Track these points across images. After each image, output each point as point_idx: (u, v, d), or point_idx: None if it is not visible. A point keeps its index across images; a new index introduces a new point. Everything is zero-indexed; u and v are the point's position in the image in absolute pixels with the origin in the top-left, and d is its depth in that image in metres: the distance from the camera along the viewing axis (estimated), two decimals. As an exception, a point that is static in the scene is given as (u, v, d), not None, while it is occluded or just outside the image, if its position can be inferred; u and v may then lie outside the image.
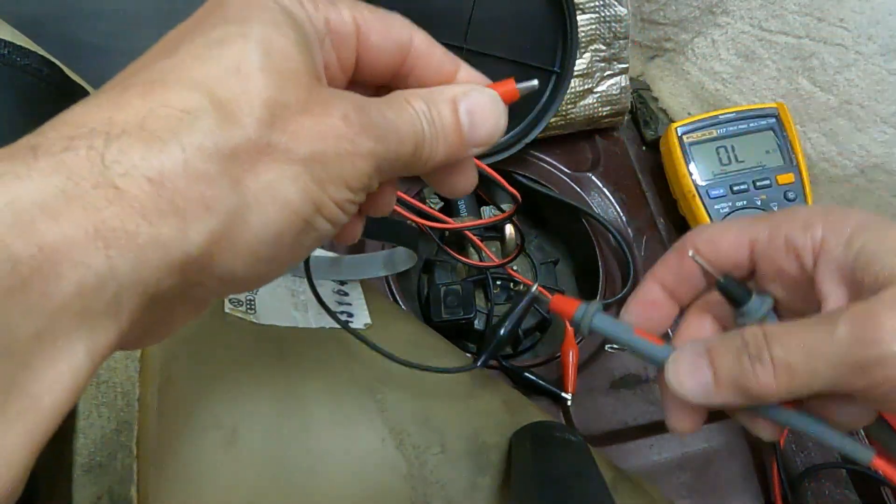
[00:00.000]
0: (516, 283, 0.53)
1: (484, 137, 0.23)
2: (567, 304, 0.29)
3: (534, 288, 0.36)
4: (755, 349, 0.23)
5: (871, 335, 0.21)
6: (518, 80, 0.24)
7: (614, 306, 0.55)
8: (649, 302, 0.28)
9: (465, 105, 0.22)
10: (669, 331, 0.29)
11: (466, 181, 0.25)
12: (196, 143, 0.16)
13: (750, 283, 0.28)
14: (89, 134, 0.16)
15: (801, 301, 0.26)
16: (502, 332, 0.38)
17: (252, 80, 0.18)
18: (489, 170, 0.43)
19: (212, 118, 0.17)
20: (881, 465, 0.25)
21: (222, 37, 0.18)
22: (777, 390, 0.23)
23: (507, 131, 0.53)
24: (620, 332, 0.27)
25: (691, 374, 0.25)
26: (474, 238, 0.53)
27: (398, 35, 0.23)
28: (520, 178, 0.57)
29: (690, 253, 0.27)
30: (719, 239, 0.27)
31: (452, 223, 0.49)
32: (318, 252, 0.40)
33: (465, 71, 0.24)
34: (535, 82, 0.25)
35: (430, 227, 0.46)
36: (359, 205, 0.21)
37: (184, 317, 0.20)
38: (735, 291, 0.27)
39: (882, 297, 0.22)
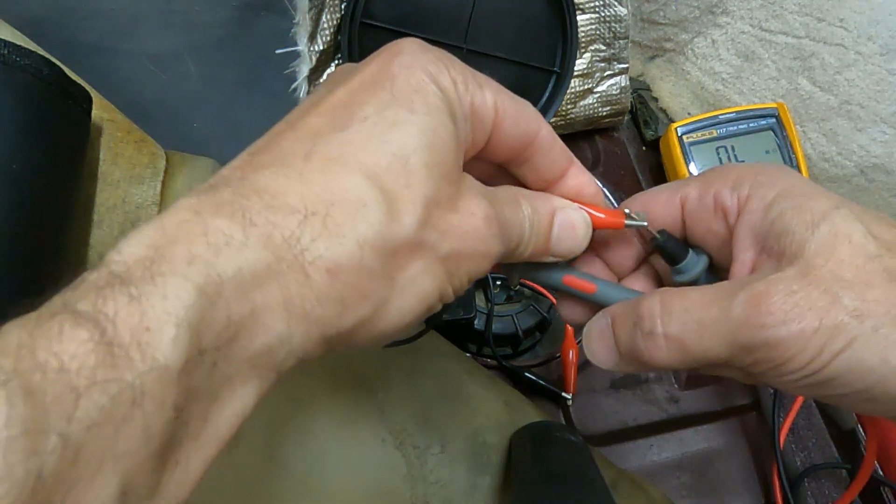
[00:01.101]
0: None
1: (564, 252, 0.25)
2: None
3: None
4: (649, 324, 0.23)
5: (761, 319, 0.21)
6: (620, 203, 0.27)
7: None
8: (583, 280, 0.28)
9: (560, 219, 0.25)
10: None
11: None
12: (369, 240, 0.18)
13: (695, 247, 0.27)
14: (288, 212, 0.18)
15: (728, 262, 0.25)
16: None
17: (416, 176, 0.19)
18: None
19: (381, 213, 0.19)
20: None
21: (393, 120, 0.19)
22: (669, 363, 0.23)
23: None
24: (551, 282, 0.27)
25: (600, 345, 0.25)
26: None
27: (528, 125, 0.24)
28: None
29: (627, 211, 0.26)
30: (652, 200, 0.27)
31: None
32: None
33: (576, 171, 0.26)
34: (646, 223, 0.26)
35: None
36: None
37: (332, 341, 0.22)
38: (670, 248, 0.26)
39: (781, 276, 0.21)
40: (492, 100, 0.22)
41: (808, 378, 0.21)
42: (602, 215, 0.26)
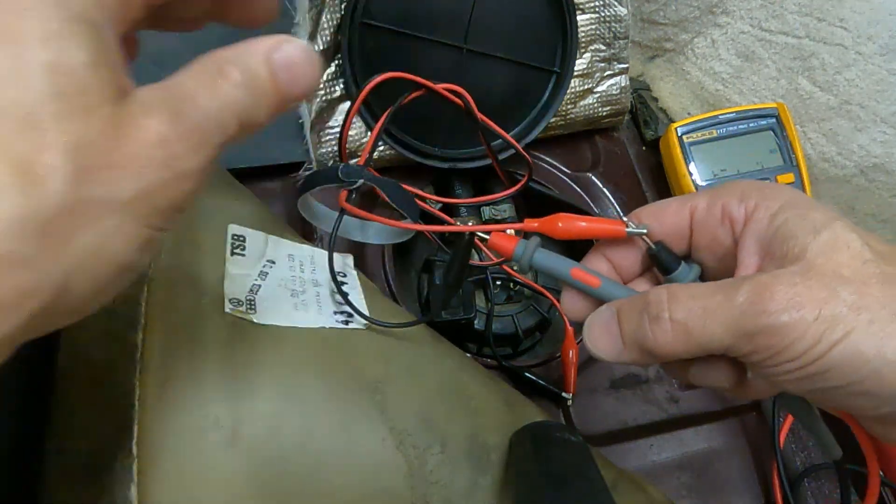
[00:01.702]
0: (516, 282, 0.53)
1: (300, 93, 0.20)
2: (506, 241, 0.30)
3: (467, 234, 0.33)
4: (655, 309, 0.24)
5: (762, 305, 0.22)
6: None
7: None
8: (589, 274, 0.29)
9: (278, 62, 0.19)
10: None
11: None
12: (8, 229, 0.14)
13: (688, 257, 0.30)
14: None
15: (729, 271, 0.27)
16: (450, 279, 0.36)
17: (46, 127, 0.15)
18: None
19: (14, 190, 0.14)
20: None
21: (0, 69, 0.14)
22: (673, 349, 0.24)
23: (508, 132, 0.53)
24: (558, 270, 0.29)
25: (603, 336, 0.26)
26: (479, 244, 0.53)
27: None
28: (520, 178, 0.57)
29: (625, 219, 0.29)
30: (663, 210, 0.28)
31: (457, 225, 0.49)
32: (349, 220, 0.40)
33: None
34: (645, 231, 0.28)
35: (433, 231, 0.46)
36: None
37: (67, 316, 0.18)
38: (664, 259, 0.28)
39: (784, 271, 0.23)
40: None
41: (806, 368, 0.22)
42: (606, 226, 0.29)
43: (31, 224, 0.14)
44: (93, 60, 0.15)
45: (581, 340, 0.52)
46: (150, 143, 0.16)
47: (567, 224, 0.30)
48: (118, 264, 0.17)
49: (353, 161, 0.50)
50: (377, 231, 0.41)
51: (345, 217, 0.39)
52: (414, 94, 0.47)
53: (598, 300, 0.29)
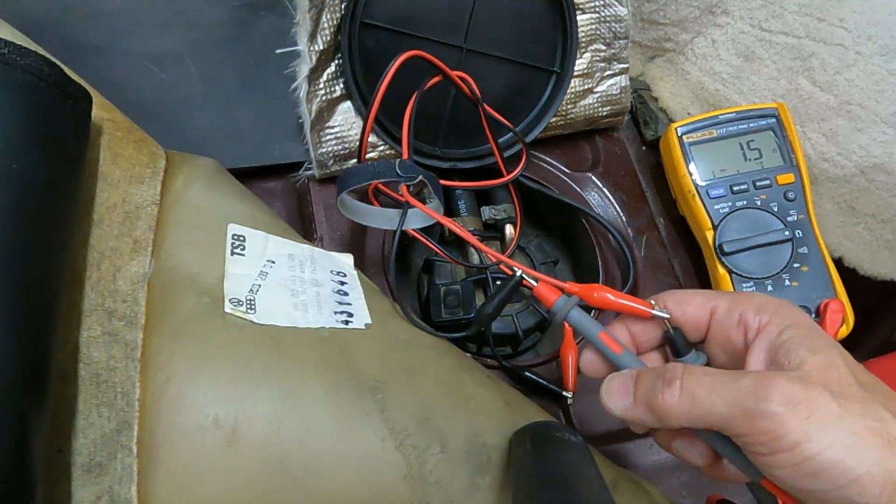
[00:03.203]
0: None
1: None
2: (550, 293, 0.34)
3: (518, 273, 0.36)
4: (671, 375, 0.29)
5: (764, 392, 0.26)
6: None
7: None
8: (614, 341, 0.34)
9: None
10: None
11: None
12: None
13: (699, 345, 0.34)
14: None
15: (736, 367, 0.31)
16: (489, 309, 0.39)
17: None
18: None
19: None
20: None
21: None
22: (676, 412, 0.28)
23: (507, 132, 0.53)
24: (588, 330, 0.33)
25: (618, 392, 0.31)
26: (475, 242, 0.53)
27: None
28: (519, 178, 0.57)
29: (652, 302, 0.33)
30: (688, 300, 0.33)
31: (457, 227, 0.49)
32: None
33: None
34: (668, 316, 0.34)
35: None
36: None
37: None
38: (678, 343, 0.33)
39: (785, 373, 0.27)
40: None
41: (800, 465, 0.25)
42: (634, 305, 0.33)
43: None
44: None
45: (580, 341, 0.52)
46: None
47: (601, 296, 0.34)
48: None
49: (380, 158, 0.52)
50: (415, 217, 0.44)
51: (386, 210, 0.43)
52: (433, 80, 0.47)
53: (613, 365, 0.33)
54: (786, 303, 0.31)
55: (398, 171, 0.40)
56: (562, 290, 0.35)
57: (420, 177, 0.40)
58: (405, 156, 0.45)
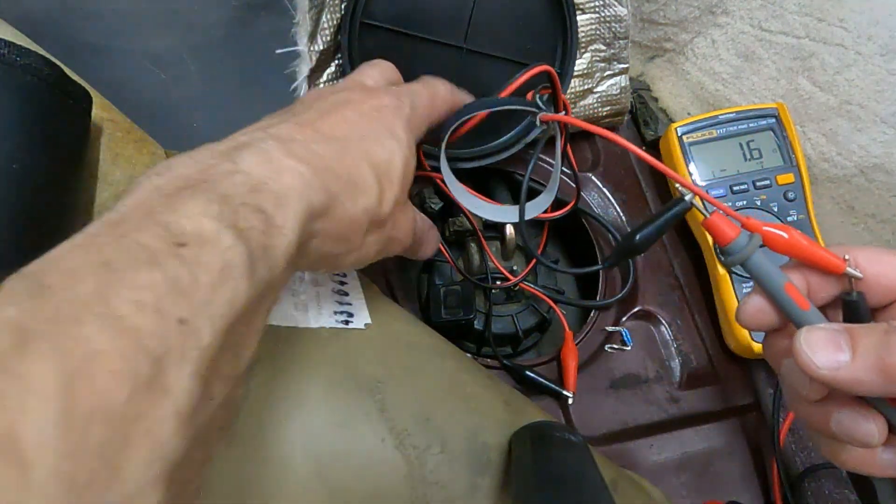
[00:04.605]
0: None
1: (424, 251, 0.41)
2: (729, 227, 0.27)
3: (688, 196, 0.29)
4: None
5: None
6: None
7: (616, 305, 0.55)
8: (802, 297, 0.28)
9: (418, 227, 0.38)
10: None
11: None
12: (368, 210, 0.30)
13: (878, 312, 0.28)
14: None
15: None
16: (638, 238, 0.31)
17: (395, 181, 0.31)
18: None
19: (374, 198, 0.30)
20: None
21: (389, 135, 0.33)
22: None
23: (507, 132, 0.53)
24: (772, 279, 0.27)
25: (826, 346, 0.25)
26: (487, 250, 0.53)
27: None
28: (520, 179, 0.57)
29: (847, 258, 0.27)
30: (884, 260, 0.27)
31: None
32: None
33: None
34: (861, 276, 0.27)
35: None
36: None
37: (321, 262, 0.30)
38: (860, 309, 0.27)
39: None
40: None
41: None
42: (828, 256, 0.27)
43: (372, 216, 0.30)
44: (411, 166, 0.32)
45: (580, 341, 0.52)
46: (410, 219, 0.35)
47: (794, 239, 0.28)
48: (368, 259, 0.32)
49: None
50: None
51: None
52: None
53: (784, 318, 0.28)
54: None
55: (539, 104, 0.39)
56: (741, 225, 0.28)
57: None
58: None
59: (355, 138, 0.30)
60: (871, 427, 0.25)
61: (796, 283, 0.28)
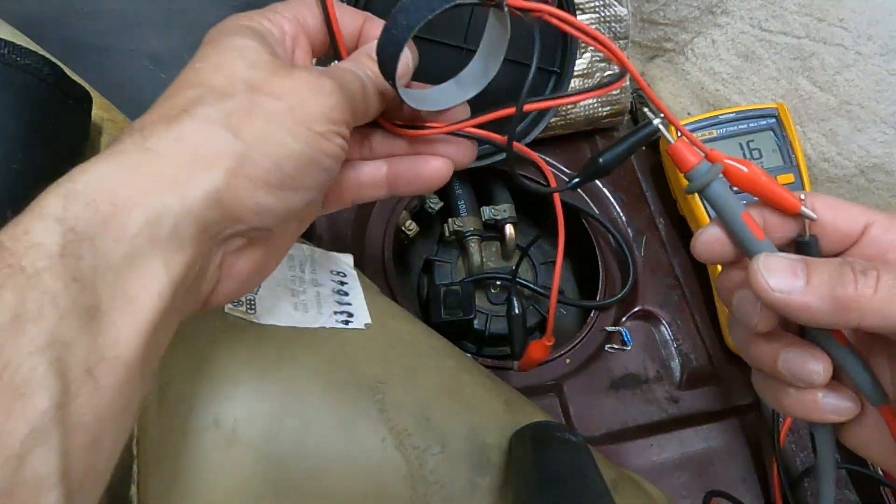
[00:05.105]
0: (516, 283, 0.53)
1: (401, 71, 0.28)
2: (692, 153, 0.28)
3: (656, 121, 0.29)
4: (861, 266, 0.24)
5: None
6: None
7: (616, 305, 0.55)
8: (758, 227, 0.28)
9: (369, 48, 0.31)
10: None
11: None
12: (202, 113, 0.23)
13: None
14: (133, 129, 0.24)
15: None
16: (602, 160, 0.31)
17: (235, 71, 0.25)
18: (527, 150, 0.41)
19: (211, 97, 0.24)
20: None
21: (208, 52, 0.26)
22: (872, 306, 0.23)
23: (508, 132, 0.53)
24: (729, 207, 0.27)
25: (782, 271, 0.25)
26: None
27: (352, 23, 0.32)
28: (520, 179, 0.57)
29: (803, 197, 0.27)
30: (842, 207, 0.28)
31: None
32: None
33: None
34: (815, 217, 0.27)
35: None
36: (346, 139, 0.27)
37: (253, 259, 0.27)
38: (813, 251, 0.27)
39: None
40: (291, 18, 0.30)
41: None
42: (785, 194, 0.28)
43: (220, 115, 0.24)
44: (260, 42, 0.27)
45: (580, 342, 0.52)
46: (297, 76, 0.26)
47: (753, 173, 0.28)
48: (289, 148, 0.24)
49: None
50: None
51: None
52: None
53: (739, 251, 0.28)
54: None
55: None
56: (704, 154, 0.29)
57: None
58: None
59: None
60: (817, 366, 0.26)
61: (757, 218, 0.28)
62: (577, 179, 0.33)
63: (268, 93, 0.25)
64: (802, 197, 0.28)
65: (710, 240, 0.29)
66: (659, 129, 0.29)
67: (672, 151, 0.28)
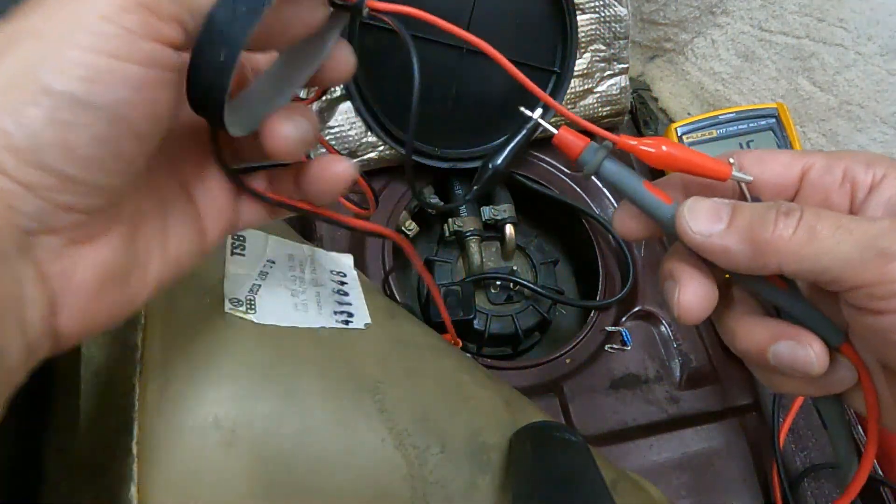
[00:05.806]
0: (516, 283, 0.53)
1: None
2: (577, 139, 0.26)
3: (536, 114, 0.28)
4: (787, 209, 0.23)
5: None
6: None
7: (615, 305, 0.55)
8: (663, 192, 0.27)
9: None
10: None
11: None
12: None
13: None
14: None
15: None
16: (496, 162, 0.29)
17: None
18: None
19: None
20: (848, 352, 0.25)
21: None
22: (789, 249, 0.23)
23: (507, 132, 0.53)
24: (628, 182, 0.26)
25: (708, 215, 0.24)
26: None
27: None
28: (520, 179, 0.57)
29: (732, 161, 0.26)
30: (771, 158, 0.27)
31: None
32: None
33: None
34: (751, 179, 0.26)
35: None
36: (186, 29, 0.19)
37: (98, 259, 0.21)
38: None
39: None
40: None
41: None
42: (711, 164, 0.26)
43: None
44: None
45: (580, 342, 0.52)
46: None
47: (672, 150, 0.26)
48: (118, 50, 0.18)
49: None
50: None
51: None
52: None
53: (658, 224, 0.26)
54: (891, 159, 0.26)
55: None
56: (592, 137, 0.27)
57: None
58: None
59: None
60: (809, 352, 0.25)
61: (674, 195, 0.27)
62: (475, 187, 0.31)
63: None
64: (732, 161, 0.26)
65: (624, 218, 0.28)
66: (540, 123, 0.27)
67: (558, 142, 0.26)
